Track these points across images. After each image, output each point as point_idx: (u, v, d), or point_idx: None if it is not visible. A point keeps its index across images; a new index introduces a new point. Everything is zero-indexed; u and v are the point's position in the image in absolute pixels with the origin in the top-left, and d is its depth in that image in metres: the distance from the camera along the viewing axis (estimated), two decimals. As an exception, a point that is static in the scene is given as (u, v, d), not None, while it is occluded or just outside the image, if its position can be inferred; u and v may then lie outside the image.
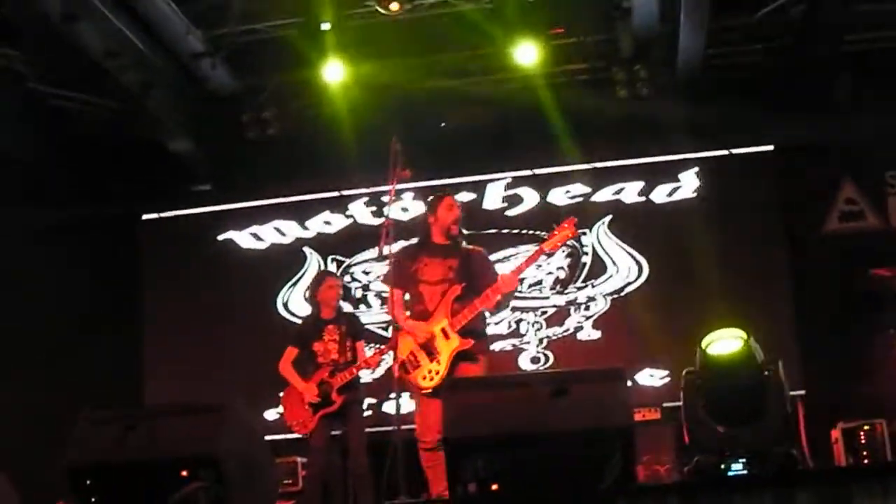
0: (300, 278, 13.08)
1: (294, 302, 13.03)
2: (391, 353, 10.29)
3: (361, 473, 9.67)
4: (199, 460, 6.71)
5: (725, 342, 8.52)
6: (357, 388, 9.98)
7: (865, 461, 9.79)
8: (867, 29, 11.86)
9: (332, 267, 13.01)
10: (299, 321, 10.51)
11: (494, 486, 6.40)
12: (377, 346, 11.76)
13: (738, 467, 7.67)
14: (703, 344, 8.55)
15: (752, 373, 8.25)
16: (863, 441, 9.97)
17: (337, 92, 12.26)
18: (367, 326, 12.41)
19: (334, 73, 11.86)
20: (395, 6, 10.99)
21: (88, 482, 6.87)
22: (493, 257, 12.32)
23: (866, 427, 10.01)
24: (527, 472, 6.41)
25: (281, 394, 10.24)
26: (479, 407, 6.60)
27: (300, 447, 10.61)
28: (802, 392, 11.01)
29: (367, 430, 10.14)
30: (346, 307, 12.29)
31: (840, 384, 11.21)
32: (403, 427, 9.72)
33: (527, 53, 11.70)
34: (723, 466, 7.66)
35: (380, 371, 11.96)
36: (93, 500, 6.87)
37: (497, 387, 6.96)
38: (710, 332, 8.71)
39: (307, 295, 11.66)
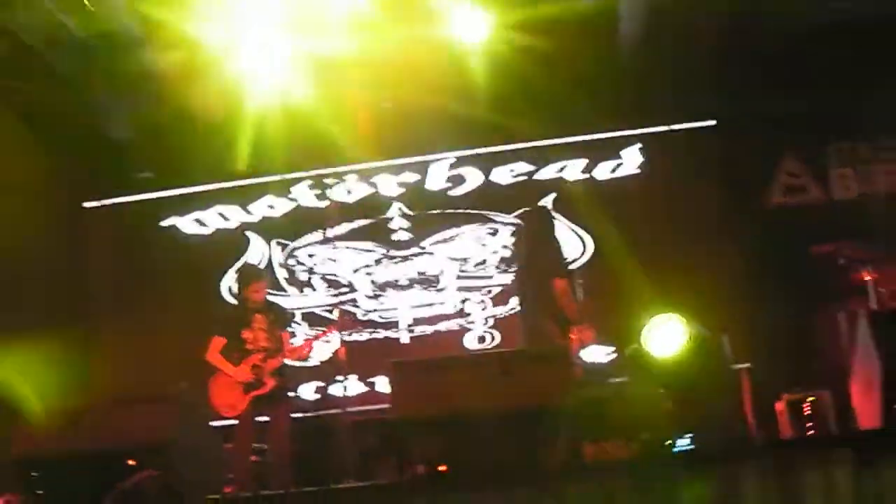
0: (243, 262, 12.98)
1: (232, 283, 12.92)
2: (330, 336, 10.42)
3: (282, 462, 9.71)
4: (148, 449, 6.69)
5: (667, 329, 8.55)
6: (286, 375, 10.05)
7: (810, 432, 9.84)
8: (813, 4, 11.86)
9: (276, 251, 12.96)
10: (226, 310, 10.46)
11: (443, 468, 6.41)
12: (319, 328, 11.80)
13: (684, 443, 7.70)
14: (646, 329, 8.58)
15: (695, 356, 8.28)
16: (807, 413, 10.01)
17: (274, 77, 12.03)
18: (312, 309, 12.48)
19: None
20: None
21: (34, 474, 6.84)
22: (438, 237, 12.48)
23: (811, 398, 10.05)
24: (474, 452, 6.42)
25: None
26: (425, 387, 6.60)
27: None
28: (748, 364, 11.04)
29: (314, 413, 10.17)
30: (292, 290, 12.33)
31: (785, 357, 11.27)
32: (349, 410, 9.81)
33: (466, 26, 11.51)
34: (669, 442, 7.69)
35: (326, 354, 11.89)
36: (39, 492, 6.83)
37: (443, 367, 6.97)
38: (653, 312, 8.75)
39: (233, 290, 11.65)
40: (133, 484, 6.54)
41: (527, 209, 10.16)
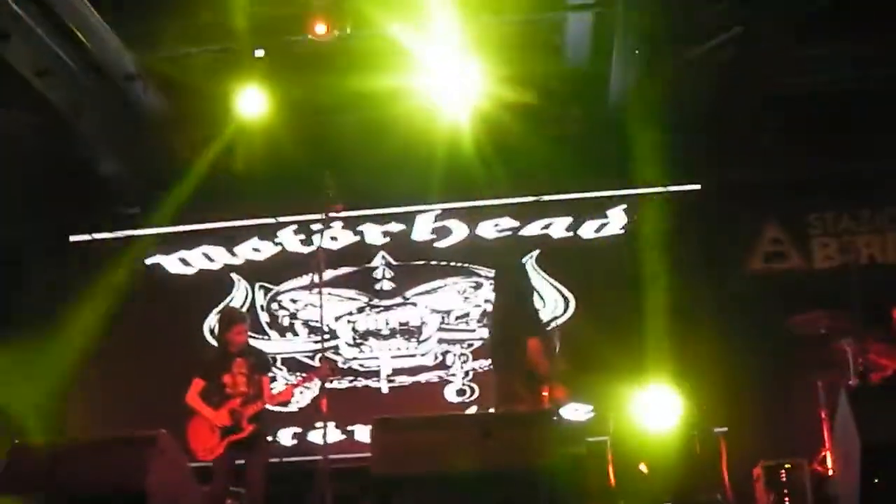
0: (227, 305, 12.98)
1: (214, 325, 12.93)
2: (311, 383, 10.45)
3: None
4: (128, 495, 6.69)
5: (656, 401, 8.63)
6: (264, 421, 10.06)
7: (786, 500, 9.88)
8: (797, 73, 12.01)
9: (259, 294, 12.98)
10: (207, 353, 10.50)
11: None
12: (300, 374, 11.84)
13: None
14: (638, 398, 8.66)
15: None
16: (784, 479, 10.06)
17: (262, 121, 12.11)
18: (293, 355, 12.50)
19: (255, 104, 11.76)
20: (321, 29, 10.87)
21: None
22: (422, 288, 12.51)
23: (787, 466, 10.09)
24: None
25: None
26: (407, 445, 6.63)
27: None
28: (725, 429, 11.09)
29: (292, 459, 10.17)
30: (274, 335, 12.35)
31: (762, 424, 11.32)
32: (328, 457, 9.79)
33: (452, 80, 11.50)
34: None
35: (305, 400, 11.92)
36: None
37: (426, 426, 7.01)
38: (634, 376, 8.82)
39: (215, 332, 11.68)
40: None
41: (501, 266, 10.19)
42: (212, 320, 12.88)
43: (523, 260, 12.49)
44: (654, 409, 8.77)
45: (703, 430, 8.65)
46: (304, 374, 11.09)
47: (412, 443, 6.63)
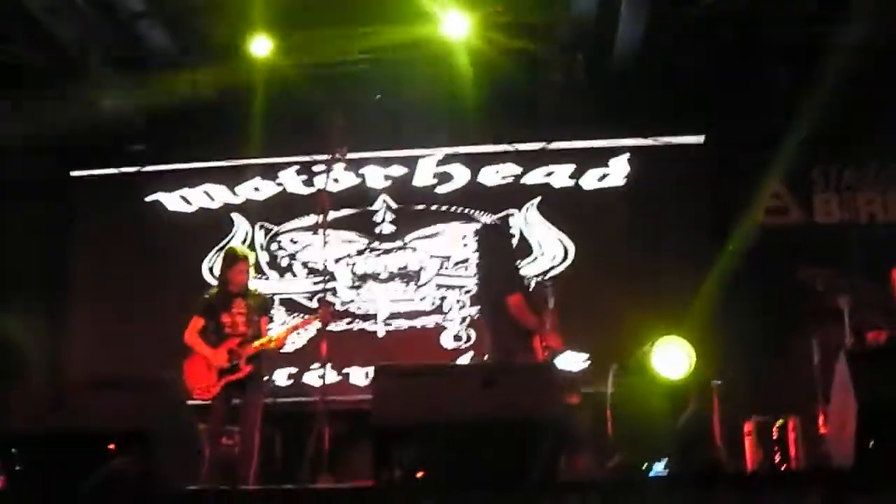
0: (227, 243, 12.91)
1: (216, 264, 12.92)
2: (310, 326, 10.48)
3: (248, 450, 9.80)
4: (129, 434, 6.72)
5: (671, 353, 8.65)
6: (262, 361, 10.08)
7: (777, 458, 9.94)
8: (806, 24, 11.96)
9: (260, 234, 12.98)
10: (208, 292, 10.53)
11: (420, 473, 6.47)
12: (302, 315, 11.88)
13: (659, 468, 7.79)
14: (649, 347, 8.68)
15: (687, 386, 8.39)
16: (774, 437, 10.11)
17: (267, 63, 12.12)
18: (291, 296, 12.51)
19: (262, 46, 11.82)
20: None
21: (14, 450, 6.86)
22: (421, 233, 12.52)
23: (779, 423, 10.15)
24: (453, 461, 6.49)
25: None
26: (408, 394, 6.66)
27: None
28: (718, 382, 11.13)
29: (288, 399, 10.22)
30: (274, 275, 12.37)
31: (756, 378, 11.36)
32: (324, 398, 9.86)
33: (457, 24, 11.57)
34: (644, 466, 7.79)
35: (302, 341, 11.95)
36: (18, 468, 6.86)
37: (427, 375, 7.03)
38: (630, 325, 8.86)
39: (216, 271, 11.70)
40: (112, 469, 6.58)
41: (480, 225, 10.19)
42: (211, 259, 12.90)
43: (525, 207, 12.58)
44: (657, 361, 8.80)
45: (703, 384, 8.67)
46: (304, 317, 11.09)
47: (413, 391, 6.65)
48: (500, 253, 9.59)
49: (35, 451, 6.88)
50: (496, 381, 6.63)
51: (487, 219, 12.64)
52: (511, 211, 12.65)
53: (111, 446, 6.76)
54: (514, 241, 12.00)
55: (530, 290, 10.16)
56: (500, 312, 9.07)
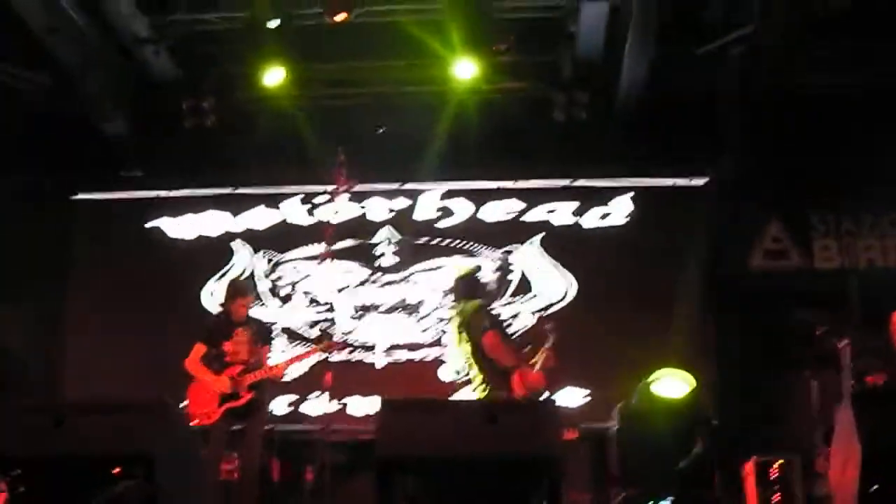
0: (227, 271, 12.99)
1: (219, 294, 12.87)
2: (311, 358, 10.51)
3: (248, 476, 9.88)
4: (133, 458, 6.71)
5: (673, 383, 8.66)
6: (262, 389, 10.11)
7: (777, 499, 9.93)
8: (806, 72, 12.03)
9: (262, 262, 13.00)
10: (210, 319, 10.51)
11: (421, 506, 6.49)
12: (303, 344, 11.88)
13: (665, 504, 7.79)
14: (650, 380, 8.69)
15: (692, 418, 8.38)
16: (775, 476, 10.10)
17: (276, 92, 12.17)
18: (290, 326, 12.50)
19: (274, 76, 11.85)
20: (341, 17, 10.97)
21: (18, 472, 6.85)
22: (421, 266, 12.54)
23: (780, 462, 10.14)
24: (455, 495, 6.50)
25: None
26: (412, 428, 6.67)
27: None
28: (715, 423, 11.14)
29: (287, 427, 10.23)
30: (274, 303, 12.38)
31: (754, 419, 11.38)
32: (322, 428, 9.86)
33: (466, 69, 11.67)
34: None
35: (303, 369, 11.93)
36: (21, 489, 6.84)
37: (431, 409, 7.04)
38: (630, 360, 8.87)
39: (219, 301, 11.69)
40: (116, 493, 6.57)
41: (457, 276, 10.15)
42: (211, 286, 12.89)
43: (526, 243, 12.68)
44: (659, 387, 8.81)
45: (704, 423, 8.68)
46: (306, 348, 11.12)
47: (417, 425, 6.66)
48: (471, 298, 9.58)
49: (39, 473, 6.86)
50: (498, 418, 6.64)
51: (489, 253, 12.65)
52: (512, 247, 12.66)
53: (117, 470, 6.75)
54: (515, 277, 12.10)
55: (529, 327, 10.13)
56: (478, 354, 9.14)
